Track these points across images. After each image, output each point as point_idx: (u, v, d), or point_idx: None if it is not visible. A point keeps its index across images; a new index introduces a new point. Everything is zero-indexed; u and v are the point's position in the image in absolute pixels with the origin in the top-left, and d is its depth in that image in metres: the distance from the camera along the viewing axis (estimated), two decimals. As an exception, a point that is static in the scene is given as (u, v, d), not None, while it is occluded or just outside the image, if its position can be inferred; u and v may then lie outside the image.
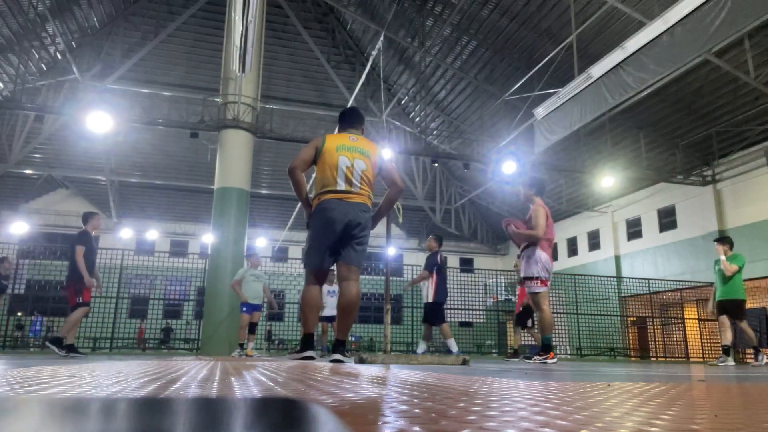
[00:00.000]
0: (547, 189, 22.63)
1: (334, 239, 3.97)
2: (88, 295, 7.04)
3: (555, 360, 5.70)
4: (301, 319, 4.21)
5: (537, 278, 5.63)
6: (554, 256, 28.42)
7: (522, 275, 5.76)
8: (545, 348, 5.64)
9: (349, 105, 17.20)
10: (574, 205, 22.11)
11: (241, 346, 9.11)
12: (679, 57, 8.98)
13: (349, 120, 4.35)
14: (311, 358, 3.94)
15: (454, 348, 8.07)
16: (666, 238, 18.90)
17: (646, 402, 1.00)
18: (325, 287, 9.52)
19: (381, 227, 4.68)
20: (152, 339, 17.45)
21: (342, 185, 3.97)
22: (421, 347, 8.33)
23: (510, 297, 19.04)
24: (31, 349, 13.80)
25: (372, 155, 4.13)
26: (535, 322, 10.60)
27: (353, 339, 18.65)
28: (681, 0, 8.66)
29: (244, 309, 9.07)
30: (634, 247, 20.44)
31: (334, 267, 4.24)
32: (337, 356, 3.98)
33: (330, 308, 9.71)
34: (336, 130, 4.57)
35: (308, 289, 4.10)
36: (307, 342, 4.08)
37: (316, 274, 4.10)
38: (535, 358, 5.74)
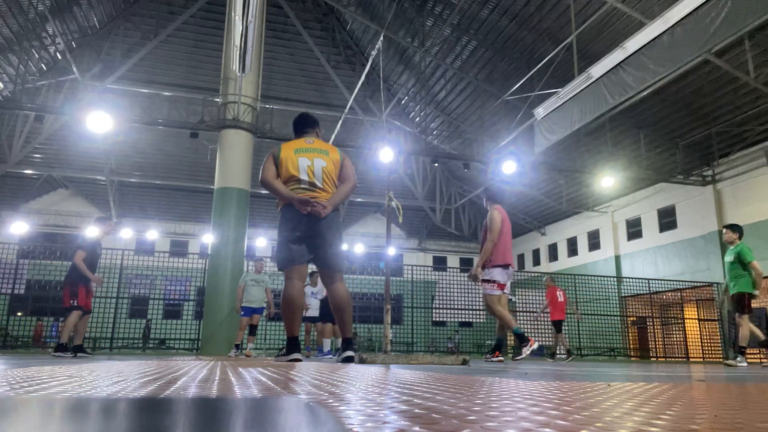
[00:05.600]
0: (544, 189, 22.64)
1: (301, 236, 4.00)
2: (82, 298, 6.99)
3: (536, 346, 5.80)
4: (284, 321, 4.07)
5: (494, 282, 5.89)
6: (554, 256, 28.02)
7: (481, 277, 5.97)
8: (520, 338, 5.75)
9: (349, 105, 17.21)
10: (574, 205, 22.10)
11: (237, 346, 9.38)
12: (679, 57, 8.98)
13: (302, 126, 4.40)
14: (298, 360, 3.95)
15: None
16: (666, 238, 18.90)
17: (646, 402, 1.00)
18: (309, 289, 9.66)
19: (382, 228, 4.70)
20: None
21: (305, 185, 4.03)
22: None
23: (510, 297, 19.02)
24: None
25: (331, 153, 4.19)
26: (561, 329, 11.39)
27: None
28: (681, 0, 8.67)
29: (243, 312, 9.36)
30: (634, 247, 20.44)
31: (312, 266, 4.28)
32: (349, 353, 4.03)
33: (313, 309, 9.92)
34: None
35: (290, 290, 4.01)
36: (292, 344, 4.06)
37: (294, 271, 4.04)
38: (523, 350, 5.84)
